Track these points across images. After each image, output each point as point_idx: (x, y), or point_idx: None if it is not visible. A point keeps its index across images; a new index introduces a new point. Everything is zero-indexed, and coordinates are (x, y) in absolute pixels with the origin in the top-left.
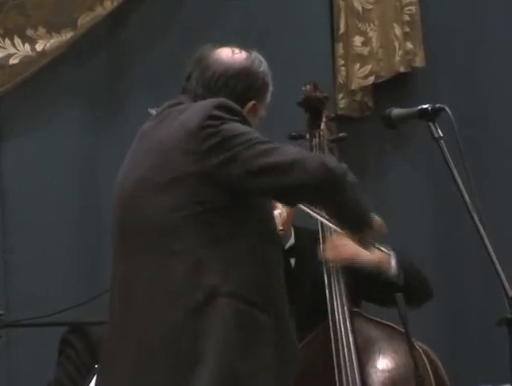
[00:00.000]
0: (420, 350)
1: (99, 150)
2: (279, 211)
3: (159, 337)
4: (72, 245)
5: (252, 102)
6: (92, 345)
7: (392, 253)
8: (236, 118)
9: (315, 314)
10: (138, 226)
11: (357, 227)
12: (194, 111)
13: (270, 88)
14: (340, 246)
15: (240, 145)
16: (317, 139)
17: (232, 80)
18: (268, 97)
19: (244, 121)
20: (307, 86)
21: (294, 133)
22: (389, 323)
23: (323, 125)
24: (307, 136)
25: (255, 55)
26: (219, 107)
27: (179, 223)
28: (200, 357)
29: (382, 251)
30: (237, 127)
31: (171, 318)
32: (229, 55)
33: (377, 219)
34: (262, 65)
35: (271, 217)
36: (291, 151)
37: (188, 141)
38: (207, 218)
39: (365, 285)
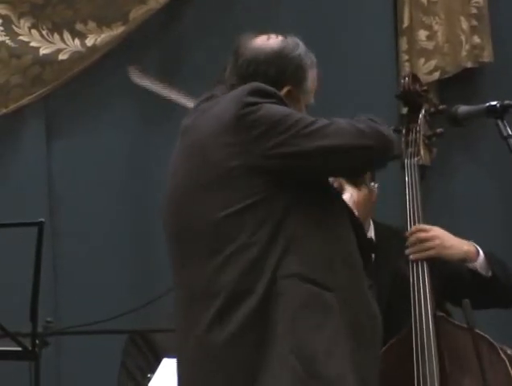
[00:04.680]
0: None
1: (149, 149)
2: (349, 194)
3: (220, 342)
4: (124, 249)
5: (287, 88)
6: (157, 351)
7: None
8: (272, 100)
9: (392, 315)
10: (192, 229)
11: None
12: (227, 102)
13: (310, 74)
14: (425, 240)
15: (287, 131)
16: (413, 134)
17: (263, 66)
18: (309, 83)
19: (281, 102)
20: (406, 78)
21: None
22: (477, 331)
23: (420, 120)
24: (404, 131)
25: (291, 39)
26: (252, 92)
27: (230, 221)
28: (268, 346)
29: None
30: (277, 111)
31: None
32: (263, 41)
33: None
34: (298, 49)
35: (334, 196)
36: (341, 129)
37: (227, 133)
38: (259, 210)
39: (451, 282)
